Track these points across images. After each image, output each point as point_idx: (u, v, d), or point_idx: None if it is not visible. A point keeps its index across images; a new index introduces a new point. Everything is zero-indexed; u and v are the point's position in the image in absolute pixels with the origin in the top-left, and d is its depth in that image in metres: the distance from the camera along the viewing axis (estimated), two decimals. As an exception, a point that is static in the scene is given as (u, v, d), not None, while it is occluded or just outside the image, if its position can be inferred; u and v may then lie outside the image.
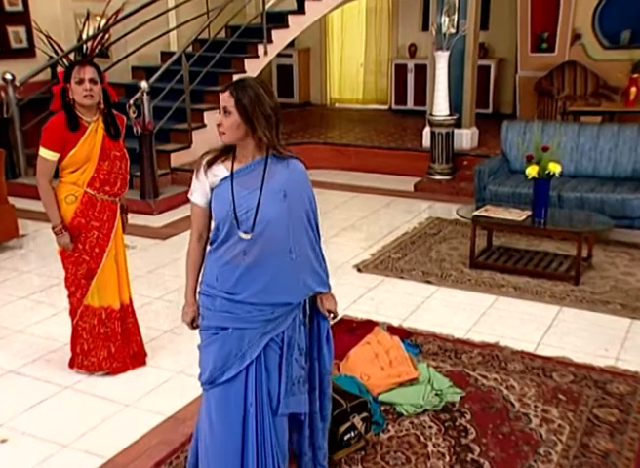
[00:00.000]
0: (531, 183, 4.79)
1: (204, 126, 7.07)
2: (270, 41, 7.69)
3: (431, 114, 6.83)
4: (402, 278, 4.71)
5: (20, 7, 7.99)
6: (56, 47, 7.95)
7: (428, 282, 4.63)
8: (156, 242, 5.51)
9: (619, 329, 3.95)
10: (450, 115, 6.74)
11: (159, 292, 4.49)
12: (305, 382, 2.40)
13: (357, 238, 5.63)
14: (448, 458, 2.82)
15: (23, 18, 8.00)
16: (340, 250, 5.20)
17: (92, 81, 3.16)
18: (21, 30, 8.01)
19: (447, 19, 6.51)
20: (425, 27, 8.88)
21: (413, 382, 3.28)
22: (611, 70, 7.97)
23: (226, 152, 2.22)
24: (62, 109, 3.21)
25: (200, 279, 2.32)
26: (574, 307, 4.23)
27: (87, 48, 7.87)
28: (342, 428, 2.78)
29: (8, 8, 7.89)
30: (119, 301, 3.47)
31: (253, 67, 7.55)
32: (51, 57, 7.83)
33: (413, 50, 9.80)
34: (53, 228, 3.25)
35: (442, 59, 6.61)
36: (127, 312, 3.52)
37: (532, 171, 4.59)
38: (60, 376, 3.48)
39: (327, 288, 2.38)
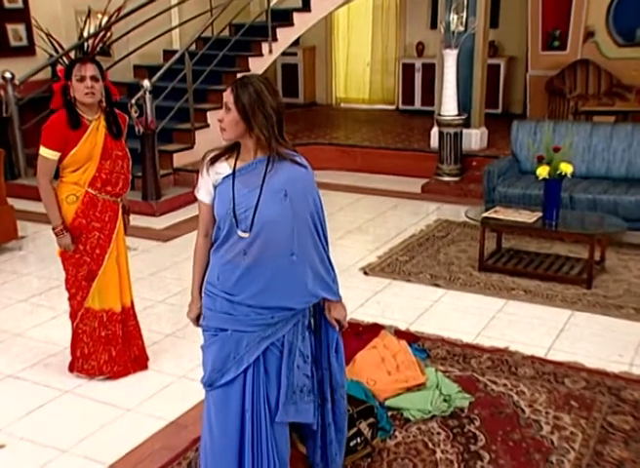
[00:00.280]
0: (541, 184, 4.76)
1: (207, 126, 7.02)
2: (275, 39, 7.65)
3: (439, 114, 6.79)
4: (409, 281, 4.68)
5: (19, 4, 7.97)
6: (56, 45, 7.93)
7: (436, 285, 4.60)
8: (158, 244, 5.49)
9: (633, 333, 3.90)
10: (458, 115, 6.71)
11: (161, 295, 4.48)
12: (311, 392, 2.36)
13: (363, 240, 5.60)
14: (456, 466, 2.79)
15: (23, 15, 7.99)
16: (346, 252, 5.17)
17: (93, 78, 3.13)
18: (21, 28, 7.99)
19: (456, 16, 6.47)
20: (434, 25, 8.85)
21: (420, 387, 3.26)
22: (625, 69, 7.90)
23: (230, 150, 2.22)
24: (63, 107, 3.18)
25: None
26: (586, 311, 4.18)
27: (88, 46, 7.83)
28: (348, 434, 2.71)
29: (7, 5, 7.88)
30: (120, 304, 3.44)
31: (257, 66, 7.52)
32: (51, 55, 7.80)
33: (420, 48, 9.75)
34: (53, 229, 3.22)
35: (450, 58, 6.57)
36: (128, 315, 3.50)
37: (543, 171, 4.56)
38: (60, 381, 3.45)
39: (334, 295, 2.34)
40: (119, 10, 7.87)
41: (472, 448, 2.88)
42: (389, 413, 3.09)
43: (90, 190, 3.22)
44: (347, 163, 7.64)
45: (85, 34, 7.99)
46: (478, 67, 6.96)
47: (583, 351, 3.69)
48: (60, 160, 3.17)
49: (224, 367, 2.23)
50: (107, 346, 3.42)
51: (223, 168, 2.20)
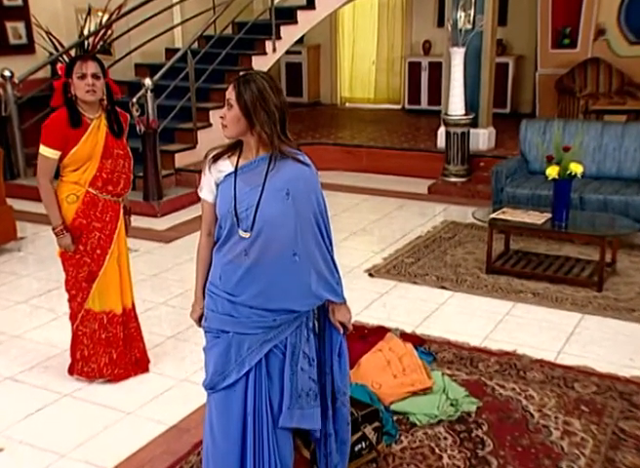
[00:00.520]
0: (551, 185, 4.72)
1: (210, 125, 6.98)
2: (279, 37, 7.61)
3: (446, 114, 6.75)
4: (415, 283, 4.65)
5: (19, 1, 7.96)
6: (56, 43, 7.90)
7: (443, 287, 4.57)
8: (160, 245, 5.46)
9: (644, 337, 3.86)
10: (466, 115, 6.66)
11: (163, 297, 4.46)
12: (317, 396, 2.32)
13: (369, 242, 5.58)
14: (464, 472, 2.77)
15: (23, 12, 7.97)
16: (351, 254, 5.14)
17: (94, 76, 3.10)
18: (20, 26, 7.97)
19: (463, 14, 6.41)
20: (440, 23, 8.77)
21: (427, 391, 3.23)
22: (637, 67, 7.83)
23: (233, 148, 2.21)
24: (64, 105, 3.15)
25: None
26: (597, 315, 4.14)
27: (88, 44, 7.80)
28: (353, 438, 2.69)
29: (6, 2, 7.87)
30: (121, 305, 3.41)
31: (260, 65, 7.47)
32: (51, 53, 7.76)
33: (427, 47, 9.70)
34: (53, 229, 3.20)
35: (458, 57, 6.52)
36: (129, 317, 3.47)
37: (552, 171, 4.52)
38: (60, 383, 3.44)
39: (338, 297, 2.30)
40: (120, 7, 7.85)
41: (480, 453, 2.86)
42: (395, 418, 3.06)
43: (90, 190, 3.20)
44: (352, 163, 7.61)
45: (85, 32, 7.96)
46: (486, 66, 6.91)
47: (594, 355, 3.65)
48: (61, 159, 3.15)
49: (226, 369, 2.22)
50: (108, 348, 3.39)
51: (226, 166, 2.18)
